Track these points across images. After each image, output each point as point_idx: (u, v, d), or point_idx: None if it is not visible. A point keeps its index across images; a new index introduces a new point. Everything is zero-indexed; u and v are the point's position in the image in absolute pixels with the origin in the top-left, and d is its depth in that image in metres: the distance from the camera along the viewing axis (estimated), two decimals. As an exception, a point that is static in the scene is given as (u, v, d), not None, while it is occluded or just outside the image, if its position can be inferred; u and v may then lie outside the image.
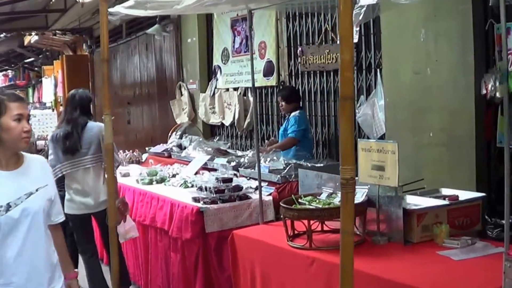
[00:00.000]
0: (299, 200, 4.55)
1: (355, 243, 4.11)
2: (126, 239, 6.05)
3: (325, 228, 4.59)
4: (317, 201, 4.49)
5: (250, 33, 5.88)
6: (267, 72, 8.61)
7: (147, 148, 9.08)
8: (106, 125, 4.80)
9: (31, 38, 18.90)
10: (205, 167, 7.23)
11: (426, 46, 5.68)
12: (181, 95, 10.45)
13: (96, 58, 16.56)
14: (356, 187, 4.41)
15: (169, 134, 9.74)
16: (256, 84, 8.76)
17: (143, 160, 8.81)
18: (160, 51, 11.48)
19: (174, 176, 7.12)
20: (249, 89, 9.03)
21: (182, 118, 10.36)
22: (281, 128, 7.51)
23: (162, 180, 6.91)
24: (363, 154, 4.35)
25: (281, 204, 4.41)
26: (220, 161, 7.08)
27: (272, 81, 8.53)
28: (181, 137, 8.83)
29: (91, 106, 6.41)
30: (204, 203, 5.53)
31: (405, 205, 4.27)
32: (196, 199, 5.65)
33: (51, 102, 20.85)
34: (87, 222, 6.17)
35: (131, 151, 8.83)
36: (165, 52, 11.28)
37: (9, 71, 32.44)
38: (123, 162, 8.50)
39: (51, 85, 20.34)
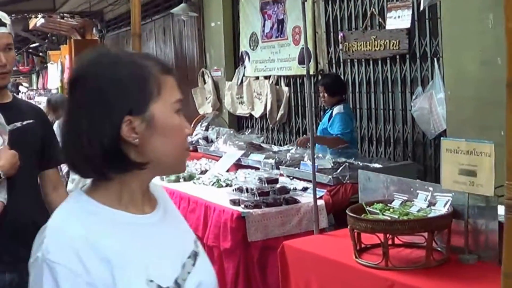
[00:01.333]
0: (368, 208, 3.92)
1: (437, 262, 3.56)
2: None
3: (396, 241, 3.96)
4: (391, 210, 3.86)
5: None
6: (303, 60, 7.95)
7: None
8: None
9: (37, 22, 18.31)
10: (237, 164, 6.61)
11: (495, 32, 5.05)
12: (204, 83, 9.83)
13: (107, 43, 15.95)
14: (436, 194, 3.84)
15: (192, 125, 9.10)
16: (290, 73, 8.19)
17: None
18: (180, 36, 10.85)
19: (203, 172, 6.50)
20: (282, 78, 8.40)
21: (206, 108, 9.75)
22: (321, 125, 6.83)
23: (190, 177, 6.27)
24: (448, 156, 3.71)
25: (349, 213, 3.78)
26: (256, 157, 6.45)
27: (308, 69, 7.88)
28: (207, 129, 8.18)
29: None
30: (246, 207, 4.89)
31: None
32: (235, 202, 5.01)
33: (57, 88, 20.25)
34: None
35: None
36: (186, 37, 10.65)
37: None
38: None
39: (58, 71, 19.76)
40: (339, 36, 7.37)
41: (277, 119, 8.40)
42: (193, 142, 7.90)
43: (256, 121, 9.12)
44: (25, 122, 3.18)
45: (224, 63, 9.41)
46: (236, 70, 9.27)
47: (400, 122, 6.78)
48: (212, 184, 5.93)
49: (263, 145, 7.37)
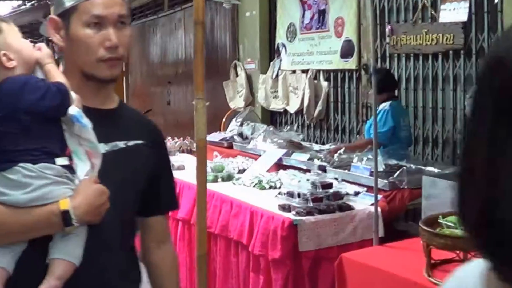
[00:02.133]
0: (439, 221, 3.54)
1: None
2: None
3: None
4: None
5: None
6: (345, 53, 7.59)
7: (202, 136, 8.06)
8: (199, 114, 3.67)
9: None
10: (278, 163, 6.24)
11: None
12: (237, 75, 9.45)
13: (132, 31, 15.61)
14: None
15: (224, 120, 8.75)
16: (331, 67, 7.82)
17: (194, 149, 7.80)
18: (212, 26, 10.47)
19: (240, 171, 6.14)
20: (321, 72, 8.01)
21: (237, 102, 9.38)
22: (368, 123, 6.45)
23: (229, 177, 5.90)
24: None
25: (422, 227, 3.40)
26: (299, 157, 6.07)
27: (351, 63, 7.50)
28: (241, 125, 7.79)
29: None
30: (297, 213, 4.50)
31: None
32: (285, 208, 4.63)
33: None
34: None
35: (181, 138, 7.83)
36: (218, 27, 10.27)
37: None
38: (173, 152, 7.56)
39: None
40: (387, 29, 6.97)
41: (315, 115, 8.01)
42: (227, 138, 7.53)
43: (291, 117, 8.74)
44: (131, 143, 2.18)
45: (259, 55, 9.03)
46: (271, 63, 8.88)
47: (450, 122, 6.39)
48: (254, 186, 5.56)
49: (303, 143, 7.00)
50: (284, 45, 8.66)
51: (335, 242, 4.52)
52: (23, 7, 21.18)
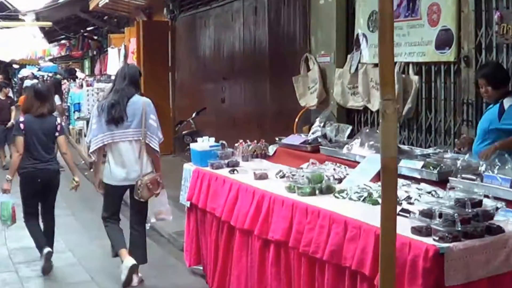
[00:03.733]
0: None
1: None
2: (157, 220, 7.12)
3: None
4: None
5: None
6: (442, 44, 6.73)
7: (277, 139, 7.25)
8: (388, 122, 2.82)
9: (99, 2, 17.26)
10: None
11: None
12: (308, 70, 8.63)
13: (179, 26, 14.86)
14: None
15: (297, 120, 7.95)
16: (423, 59, 6.98)
17: (270, 154, 7.00)
18: (277, 16, 9.68)
19: (337, 181, 5.34)
20: (410, 65, 7.16)
21: (308, 99, 8.56)
22: (484, 121, 5.60)
23: (328, 189, 5.09)
24: None
25: None
26: (410, 164, 5.22)
27: (449, 55, 6.64)
28: (324, 125, 6.95)
29: (140, 79, 7.01)
30: (441, 239, 3.66)
31: None
32: (420, 231, 3.80)
33: (120, 74, 19.22)
34: (120, 193, 6.81)
35: (255, 141, 7.02)
36: (285, 17, 9.46)
37: (67, 40, 30.99)
38: (247, 157, 6.79)
39: (120, 55, 18.72)
40: (495, 16, 6.10)
41: (404, 113, 7.16)
42: (309, 140, 6.70)
43: (372, 116, 7.90)
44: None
45: (335, 47, 8.20)
46: (349, 56, 8.05)
47: None
48: (363, 200, 4.75)
49: (402, 147, 6.16)
50: (365, 36, 7.82)
51: (485, 274, 3.69)
52: (60, 1, 20.58)
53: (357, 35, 7.96)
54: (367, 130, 6.22)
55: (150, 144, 6.68)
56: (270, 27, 9.87)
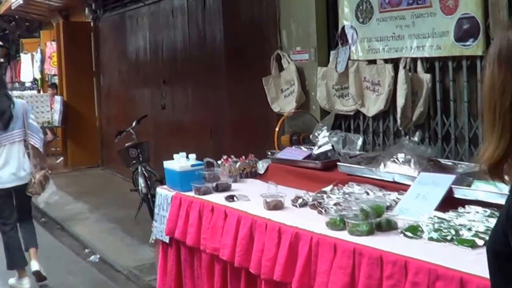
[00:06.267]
0: None
1: None
2: (49, 203, 7.17)
3: None
4: None
5: None
6: (464, 35, 5.31)
7: (269, 153, 5.67)
8: None
9: (12, 4, 15.27)
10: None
11: None
12: (280, 70, 7.08)
13: (103, 26, 13.05)
14: None
15: (277, 129, 6.39)
16: (440, 53, 5.58)
17: (261, 172, 5.43)
18: (234, 7, 8.08)
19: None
20: (419, 61, 5.74)
21: (282, 104, 7.03)
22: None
23: (389, 225, 3.56)
24: None
25: None
26: (485, 186, 3.74)
27: (474, 48, 5.23)
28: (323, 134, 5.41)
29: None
30: None
31: None
32: None
33: (36, 81, 17.21)
34: (10, 195, 6.68)
35: (243, 157, 5.44)
36: (245, 8, 7.90)
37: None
38: (235, 177, 5.22)
39: (36, 61, 16.73)
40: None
41: (414, 118, 5.73)
42: (316, 155, 5.15)
43: (365, 122, 6.43)
44: None
45: (316, 42, 6.69)
46: (333, 52, 6.57)
47: None
48: (450, 240, 3.25)
49: (443, 161, 4.69)
50: (354, 28, 6.35)
51: None
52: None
53: (343, 27, 6.49)
54: (404, 141, 4.74)
55: (31, 142, 6.68)
56: (226, 22, 8.24)
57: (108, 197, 10.67)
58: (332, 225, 3.66)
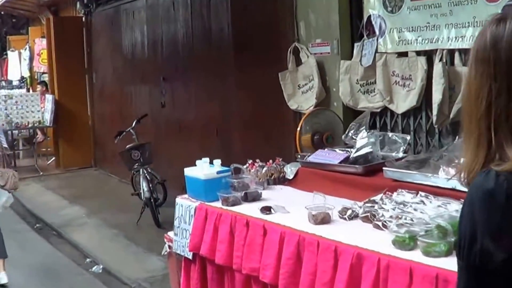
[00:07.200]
0: None
1: None
2: (6, 207, 6.96)
3: None
4: None
5: None
6: (510, 23, 4.75)
7: (298, 156, 5.09)
8: None
9: (-1, 0, 14.63)
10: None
11: None
12: (297, 64, 6.50)
13: (96, 21, 12.41)
14: None
15: (299, 129, 5.79)
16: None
17: (290, 177, 4.85)
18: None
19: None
20: (456, 54, 5.18)
21: (299, 100, 6.46)
22: None
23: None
24: None
25: None
26: None
27: (524, 37, 4.68)
28: (355, 132, 4.83)
29: None
30: None
31: None
32: None
33: (25, 79, 16.53)
34: None
35: (270, 161, 4.86)
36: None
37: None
38: (263, 183, 4.64)
39: (24, 58, 16.06)
40: None
41: (451, 115, 5.17)
42: (352, 158, 4.57)
43: (393, 119, 5.86)
44: None
45: (339, 34, 6.11)
46: (357, 44, 6.00)
47: None
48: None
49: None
50: (381, 18, 5.78)
51: None
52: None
53: (369, 17, 5.92)
54: (454, 142, 4.18)
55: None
56: (234, 13, 7.63)
57: (105, 200, 10.07)
58: (400, 244, 3.09)
